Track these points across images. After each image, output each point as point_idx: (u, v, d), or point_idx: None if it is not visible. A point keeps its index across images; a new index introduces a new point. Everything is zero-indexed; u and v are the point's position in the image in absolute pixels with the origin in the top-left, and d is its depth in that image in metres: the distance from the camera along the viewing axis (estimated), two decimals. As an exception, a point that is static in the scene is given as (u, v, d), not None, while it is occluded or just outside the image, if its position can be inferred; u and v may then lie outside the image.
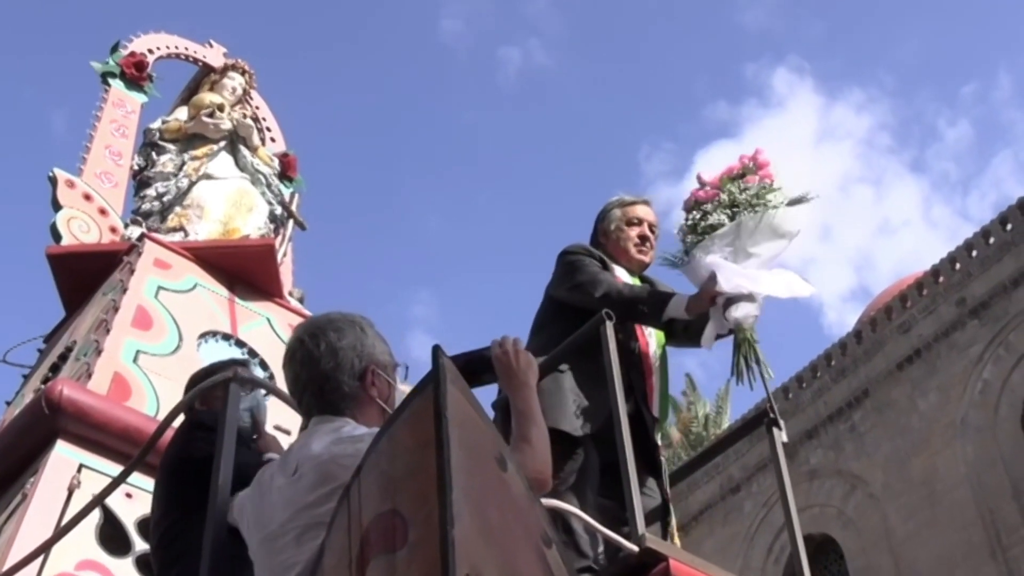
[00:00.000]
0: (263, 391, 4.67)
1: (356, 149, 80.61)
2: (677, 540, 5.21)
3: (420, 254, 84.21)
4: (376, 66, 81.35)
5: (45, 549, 5.40)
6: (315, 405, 3.23)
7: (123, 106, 11.73)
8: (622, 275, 5.44)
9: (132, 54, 12.09)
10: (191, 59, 12.79)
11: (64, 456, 7.19)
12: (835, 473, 28.09)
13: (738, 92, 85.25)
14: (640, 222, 5.64)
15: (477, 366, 3.25)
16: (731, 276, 5.09)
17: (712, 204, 5.30)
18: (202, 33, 13.27)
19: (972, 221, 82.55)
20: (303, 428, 3.34)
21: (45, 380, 9.05)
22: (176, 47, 12.75)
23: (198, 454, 4.17)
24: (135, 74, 11.94)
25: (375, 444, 2.59)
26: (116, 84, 11.85)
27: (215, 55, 12.85)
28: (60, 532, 5.48)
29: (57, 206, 10.24)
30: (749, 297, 5.07)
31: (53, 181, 10.37)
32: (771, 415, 5.20)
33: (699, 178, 5.47)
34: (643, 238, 5.61)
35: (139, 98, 11.98)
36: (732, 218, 5.23)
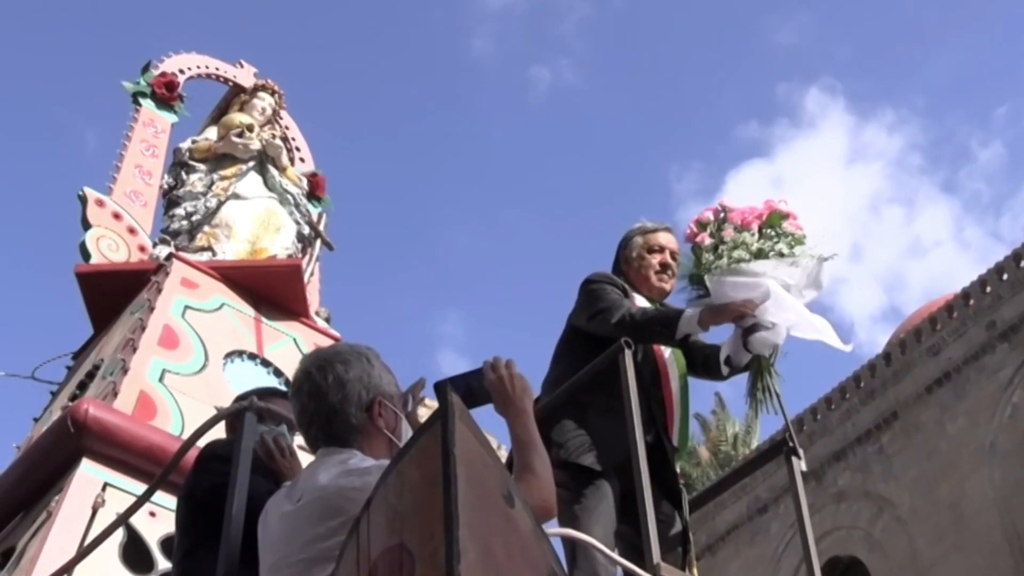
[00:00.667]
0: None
1: (385, 168, 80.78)
2: (695, 570, 5.22)
3: (448, 273, 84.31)
4: (407, 84, 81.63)
5: (70, 568, 5.46)
6: (322, 437, 3.26)
7: (153, 126, 11.82)
8: (642, 304, 5.45)
9: (163, 74, 12.19)
10: (222, 79, 12.88)
11: (89, 475, 7.27)
12: (862, 495, 27.96)
13: (769, 112, 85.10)
14: (662, 249, 5.64)
15: (477, 397, 3.26)
16: (783, 305, 5.11)
17: (739, 235, 5.30)
18: (233, 53, 13.31)
19: (1004, 242, 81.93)
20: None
21: (73, 397, 9.13)
22: (207, 67, 12.85)
23: (205, 485, 4.21)
24: (166, 94, 12.03)
25: (384, 478, 2.62)
26: (147, 104, 11.95)
27: (246, 75, 12.94)
28: (84, 551, 5.53)
29: (87, 225, 10.33)
30: (771, 329, 5.08)
31: (83, 200, 10.46)
32: (790, 444, 5.21)
33: (723, 206, 5.46)
34: (664, 266, 5.61)
35: (169, 118, 12.08)
36: (758, 254, 5.23)
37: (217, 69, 12.89)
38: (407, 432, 3.30)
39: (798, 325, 5.18)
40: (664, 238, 5.70)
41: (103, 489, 7.17)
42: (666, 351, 5.38)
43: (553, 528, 4.24)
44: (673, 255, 5.66)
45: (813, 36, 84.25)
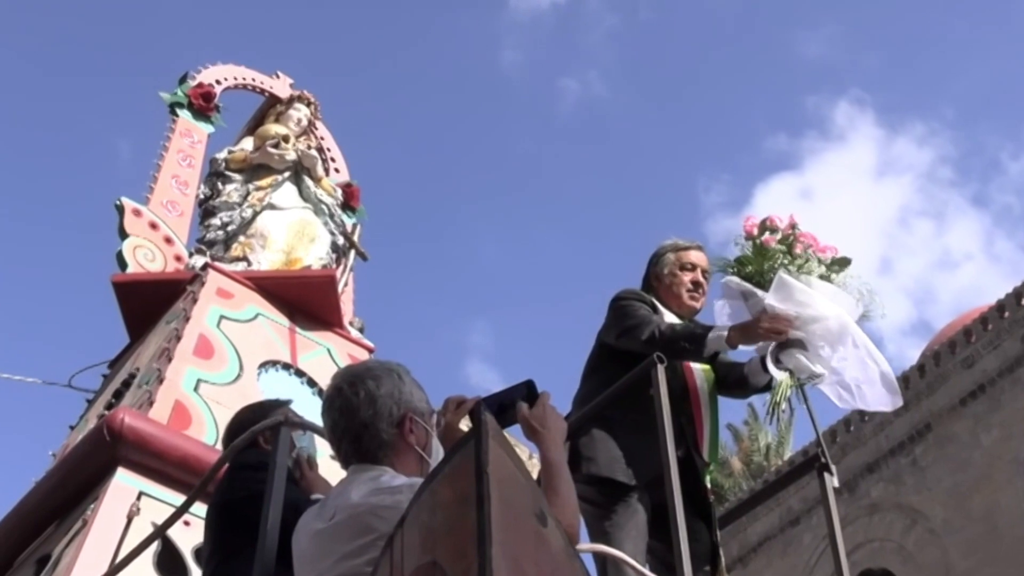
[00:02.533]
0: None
1: (415, 179, 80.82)
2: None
3: (477, 283, 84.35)
4: (437, 96, 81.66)
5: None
6: (353, 453, 3.30)
7: (190, 136, 11.90)
8: (672, 320, 5.47)
9: (200, 85, 12.27)
10: (258, 90, 12.96)
11: (124, 484, 7.33)
12: (895, 507, 27.84)
13: (798, 124, 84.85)
14: (693, 268, 5.65)
15: (509, 417, 3.28)
16: (849, 354, 5.15)
17: (808, 253, 5.33)
18: (269, 65, 13.39)
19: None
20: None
21: (109, 406, 9.20)
22: (243, 78, 12.93)
23: (239, 495, 4.25)
24: (202, 105, 12.11)
25: (418, 497, 2.65)
26: (184, 114, 12.03)
27: (282, 86, 13.01)
28: (121, 563, 5.57)
29: (124, 234, 10.41)
30: (801, 346, 5.09)
31: (120, 209, 10.54)
32: (822, 459, 5.21)
33: (795, 223, 5.47)
34: (696, 284, 5.62)
35: (206, 128, 12.16)
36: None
37: (254, 80, 12.96)
38: (437, 448, 3.33)
39: (856, 389, 5.22)
40: (696, 256, 5.70)
41: (138, 498, 7.23)
42: (695, 365, 5.40)
43: (585, 544, 4.26)
44: (704, 273, 5.67)
45: (842, 48, 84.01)
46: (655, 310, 5.44)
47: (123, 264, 10.23)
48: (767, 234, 5.39)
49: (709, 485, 5.31)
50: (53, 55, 69.55)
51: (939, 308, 75.61)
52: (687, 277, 5.62)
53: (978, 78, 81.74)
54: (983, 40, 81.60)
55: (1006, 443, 25.85)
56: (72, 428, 10.03)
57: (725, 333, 5.10)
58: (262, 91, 12.93)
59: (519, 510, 2.54)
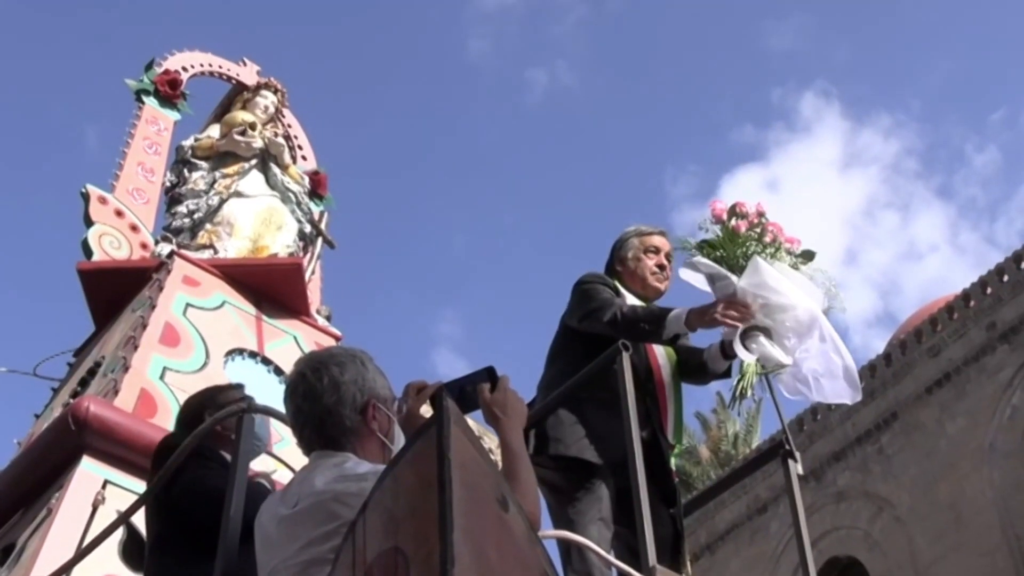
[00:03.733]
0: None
1: (383, 168, 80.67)
2: (689, 568, 5.24)
3: (445, 272, 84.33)
4: (404, 85, 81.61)
5: (70, 566, 5.48)
6: (316, 439, 3.29)
7: (156, 123, 11.83)
8: (635, 303, 5.49)
9: (166, 72, 12.19)
10: (225, 77, 12.88)
11: (89, 472, 7.30)
12: (862, 495, 27.99)
13: (765, 116, 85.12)
14: (657, 251, 5.73)
15: (470, 402, 3.28)
16: (815, 348, 5.20)
17: (777, 242, 5.38)
18: (235, 52, 13.27)
19: (999, 247, 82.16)
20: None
21: (74, 394, 9.16)
22: (210, 65, 12.85)
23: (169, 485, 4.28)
24: (169, 92, 12.04)
25: (380, 482, 2.66)
26: (150, 102, 11.95)
27: (248, 73, 12.94)
28: (85, 550, 5.54)
29: (89, 222, 10.35)
30: (767, 334, 5.12)
31: (86, 197, 10.47)
32: (786, 447, 5.24)
33: (762, 212, 5.51)
34: (660, 267, 5.70)
35: (172, 116, 12.08)
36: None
37: (220, 67, 12.89)
38: (399, 435, 3.33)
39: (813, 381, 5.26)
40: (659, 240, 5.78)
41: (103, 486, 7.19)
42: (658, 348, 5.43)
43: (549, 531, 4.28)
44: (668, 257, 5.75)
45: (809, 39, 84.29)
46: (617, 293, 5.47)
47: (88, 252, 10.17)
48: (736, 219, 5.43)
49: (674, 468, 5.33)
50: (17, 42, 69.16)
51: (904, 299, 76.07)
52: (651, 260, 5.70)
53: (944, 71, 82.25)
54: (949, 33, 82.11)
55: (971, 432, 26.02)
56: (37, 417, 9.98)
57: (684, 315, 5.13)
58: (229, 78, 12.86)
59: (481, 495, 2.54)
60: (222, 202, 10.77)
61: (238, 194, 10.90)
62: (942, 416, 26.84)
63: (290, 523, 3.10)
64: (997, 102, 79.88)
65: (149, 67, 12.19)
